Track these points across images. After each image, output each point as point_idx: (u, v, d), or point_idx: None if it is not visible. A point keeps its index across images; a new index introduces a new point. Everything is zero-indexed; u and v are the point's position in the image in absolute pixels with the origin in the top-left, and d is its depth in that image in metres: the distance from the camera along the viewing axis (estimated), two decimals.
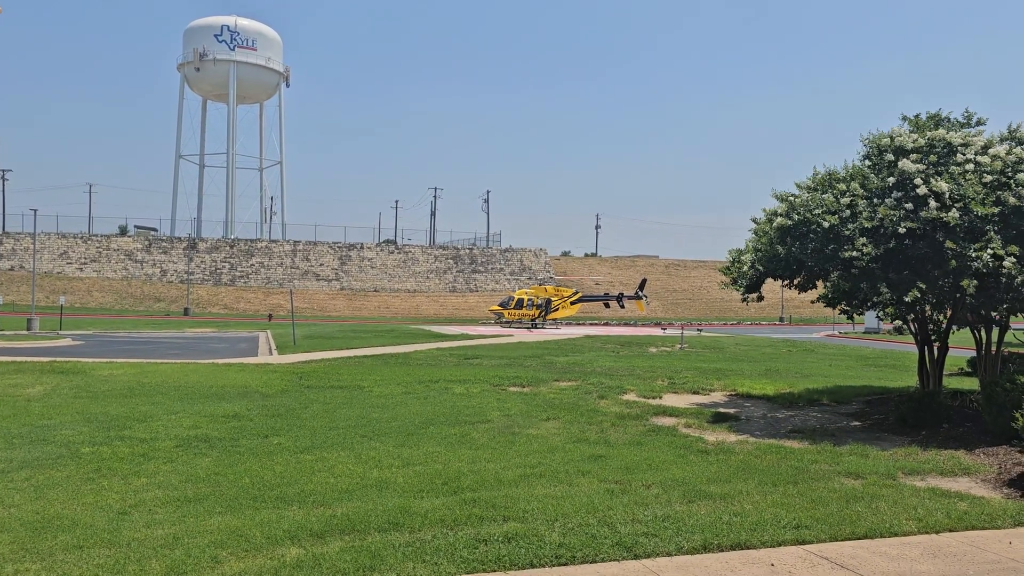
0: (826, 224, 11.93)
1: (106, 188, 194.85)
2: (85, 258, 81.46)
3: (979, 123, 13.47)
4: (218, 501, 7.71)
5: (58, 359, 22.94)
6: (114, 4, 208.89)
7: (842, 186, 12.55)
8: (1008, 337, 13.86)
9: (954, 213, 11.36)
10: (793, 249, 12.53)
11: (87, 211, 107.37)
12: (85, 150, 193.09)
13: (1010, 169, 11.84)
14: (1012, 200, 11.38)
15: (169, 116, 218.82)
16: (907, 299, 11.68)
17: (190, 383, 17.31)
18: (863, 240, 11.70)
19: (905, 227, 11.52)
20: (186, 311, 69.89)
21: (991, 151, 12.09)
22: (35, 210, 51.03)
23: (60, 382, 17.27)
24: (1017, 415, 8.97)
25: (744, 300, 14.43)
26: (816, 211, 12.18)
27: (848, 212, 12.07)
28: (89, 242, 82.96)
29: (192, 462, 9.49)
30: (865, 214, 11.92)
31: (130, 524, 6.93)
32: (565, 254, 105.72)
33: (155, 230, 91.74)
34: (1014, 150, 12.06)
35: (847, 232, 11.86)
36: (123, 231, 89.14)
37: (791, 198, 12.99)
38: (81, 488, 8.20)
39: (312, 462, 9.52)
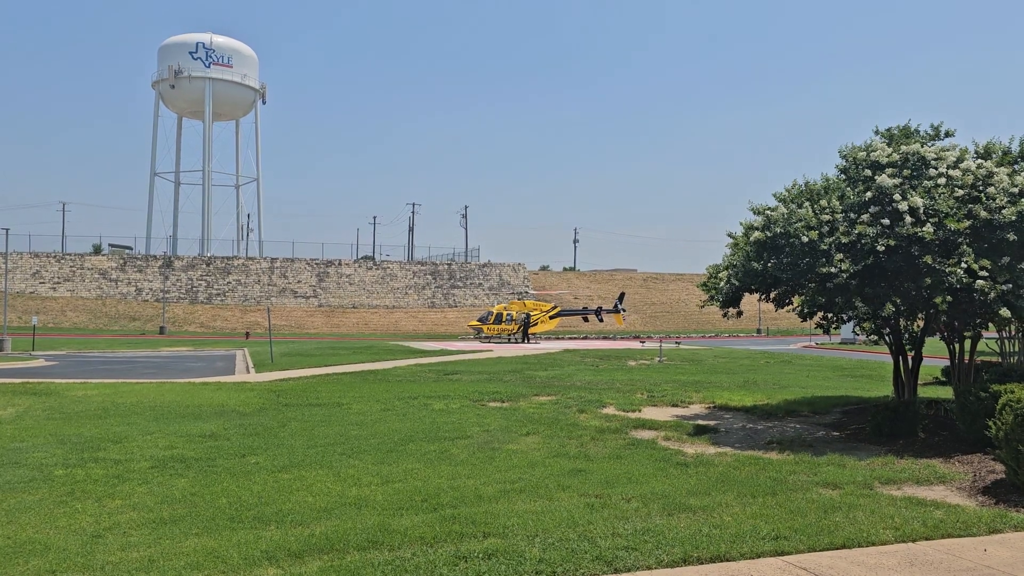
0: (805, 239, 12.01)
1: (80, 206, 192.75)
2: (59, 277, 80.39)
3: (947, 134, 13.67)
4: (194, 522, 7.61)
5: (31, 380, 22.57)
6: (87, 21, 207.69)
7: (824, 201, 12.61)
8: (981, 346, 14.06)
9: (928, 228, 11.50)
10: (769, 264, 12.61)
11: (60, 230, 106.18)
12: (58, 168, 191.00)
13: (980, 183, 12.03)
14: (983, 213, 11.55)
15: (144, 133, 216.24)
16: (883, 313, 11.79)
17: (166, 403, 17.10)
18: (840, 256, 11.79)
19: (884, 244, 11.62)
20: (162, 330, 69.13)
21: (962, 165, 12.28)
22: (7, 229, 50.18)
23: (32, 403, 16.99)
24: (990, 423, 9.08)
25: (725, 315, 14.54)
26: (796, 224, 12.27)
27: (827, 228, 12.17)
28: (63, 261, 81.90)
29: (168, 483, 9.36)
30: (842, 229, 12.02)
31: (104, 547, 6.82)
32: (544, 268, 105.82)
33: (130, 248, 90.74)
34: (984, 164, 12.26)
35: (824, 247, 11.95)
36: (97, 250, 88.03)
37: (768, 211, 13.09)
38: (54, 511, 8.07)
39: (290, 481, 9.44)
